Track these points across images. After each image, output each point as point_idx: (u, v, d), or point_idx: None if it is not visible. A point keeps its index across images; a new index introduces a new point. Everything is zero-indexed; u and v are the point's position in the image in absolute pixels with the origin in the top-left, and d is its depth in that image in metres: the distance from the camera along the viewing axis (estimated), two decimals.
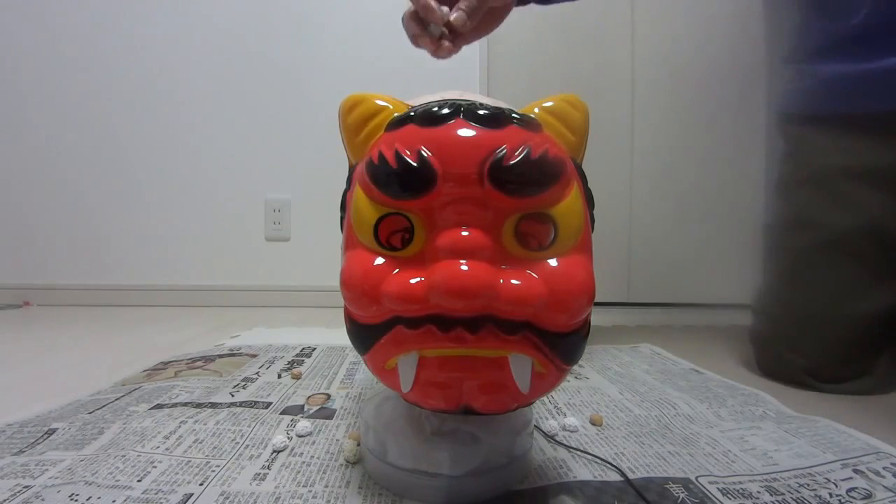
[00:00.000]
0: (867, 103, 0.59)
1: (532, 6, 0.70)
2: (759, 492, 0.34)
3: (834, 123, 0.62)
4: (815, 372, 0.60)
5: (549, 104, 0.31)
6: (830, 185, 0.61)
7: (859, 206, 0.59)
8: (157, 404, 0.50)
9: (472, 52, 1.24)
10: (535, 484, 0.35)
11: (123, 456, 0.38)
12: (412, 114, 0.30)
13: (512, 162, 0.27)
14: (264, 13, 1.27)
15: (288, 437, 0.42)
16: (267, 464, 0.38)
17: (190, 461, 0.38)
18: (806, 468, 0.37)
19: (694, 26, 1.27)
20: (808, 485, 0.35)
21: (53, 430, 0.43)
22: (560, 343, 0.29)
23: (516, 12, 0.66)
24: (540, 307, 0.27)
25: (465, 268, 0.26)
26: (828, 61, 0.62)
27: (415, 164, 0.27)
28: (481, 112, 0.28)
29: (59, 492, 0.33)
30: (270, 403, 0.51)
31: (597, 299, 0.29)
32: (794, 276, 0.64)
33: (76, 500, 0.32)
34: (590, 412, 0.50)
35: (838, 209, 0.60)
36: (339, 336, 0.49)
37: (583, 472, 0.37)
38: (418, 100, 0.32)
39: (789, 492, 0.34)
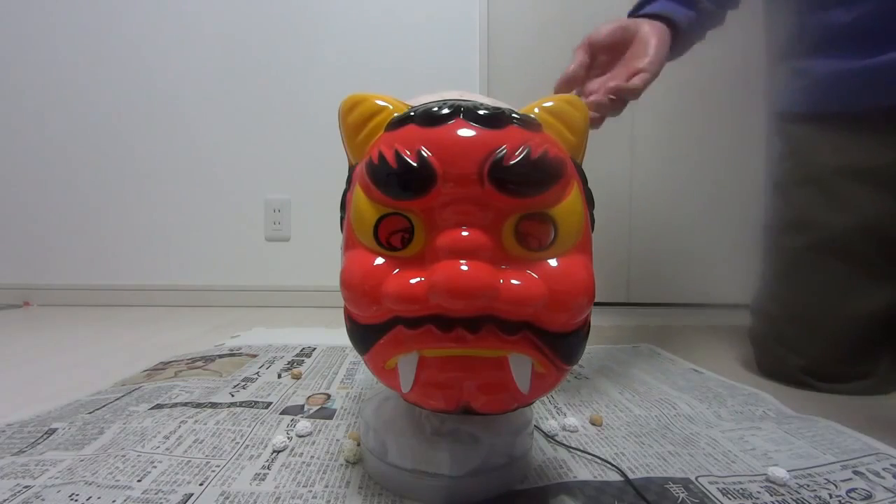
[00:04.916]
0: (861, 101, 0.59)
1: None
2: (759, 492, 0.34)
3: (829, 122, 0.61)
4: (814, 371, 0.60)
5: (549, 104, 0.31)
6: (827, 185, 0.61)
7: (856, 207, 0.59)
8: (157, 404, 0.50)
9: (472, 51, 1.25)
10: (535, 484, 0.35)
11: (123, 456, 0.38)
12: (412, 114, 0.30)
13: (512, 162, 0.27)
14: (264, 13, 1.26)
15: (288, 437, 0.42)
16: (267, 464, 0.38)
17: (190, 461, 0.38)
18: (806, 469, 0.37)
19: None
20: (808, 485, 0.35)
21: (53, 430, 0.43)
22: (560, 343, 0.29)
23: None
24: (540, 307, 0.27)
25: (465, 268, 0.26)
26: (823, 58, 0.61)
27: (415, 165, 0.27)
28: (481, 112, 0.28)
29: (59, 492, 0.33)
30: (270, 403, 0.51)
31: (597, 299, 0.29)
32: (791, 276, 0.63)
33: (76, 500, 0.32)
34: (590, 412, 0.50)
35: (835, 209, 0.60)
36: (339, 336, 0.48)
37: (583, 472, 0.37)
38: (418, 100, 0.32)
39: (789, 492, 0.34)
